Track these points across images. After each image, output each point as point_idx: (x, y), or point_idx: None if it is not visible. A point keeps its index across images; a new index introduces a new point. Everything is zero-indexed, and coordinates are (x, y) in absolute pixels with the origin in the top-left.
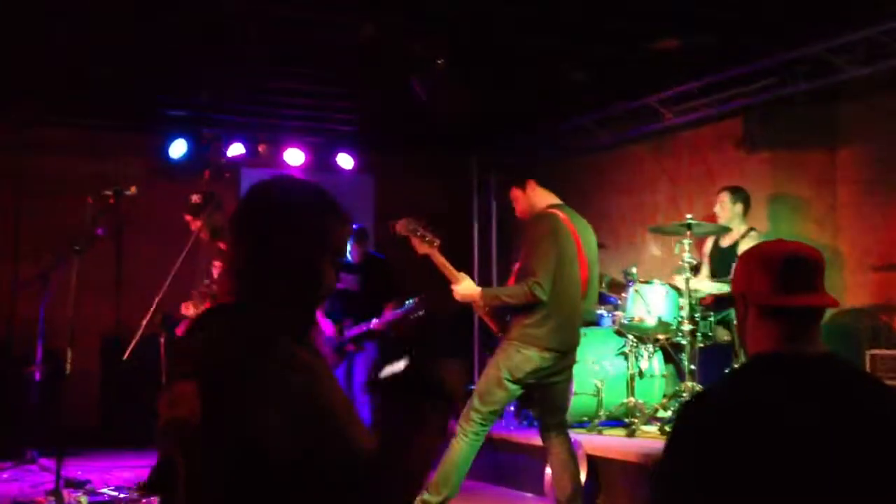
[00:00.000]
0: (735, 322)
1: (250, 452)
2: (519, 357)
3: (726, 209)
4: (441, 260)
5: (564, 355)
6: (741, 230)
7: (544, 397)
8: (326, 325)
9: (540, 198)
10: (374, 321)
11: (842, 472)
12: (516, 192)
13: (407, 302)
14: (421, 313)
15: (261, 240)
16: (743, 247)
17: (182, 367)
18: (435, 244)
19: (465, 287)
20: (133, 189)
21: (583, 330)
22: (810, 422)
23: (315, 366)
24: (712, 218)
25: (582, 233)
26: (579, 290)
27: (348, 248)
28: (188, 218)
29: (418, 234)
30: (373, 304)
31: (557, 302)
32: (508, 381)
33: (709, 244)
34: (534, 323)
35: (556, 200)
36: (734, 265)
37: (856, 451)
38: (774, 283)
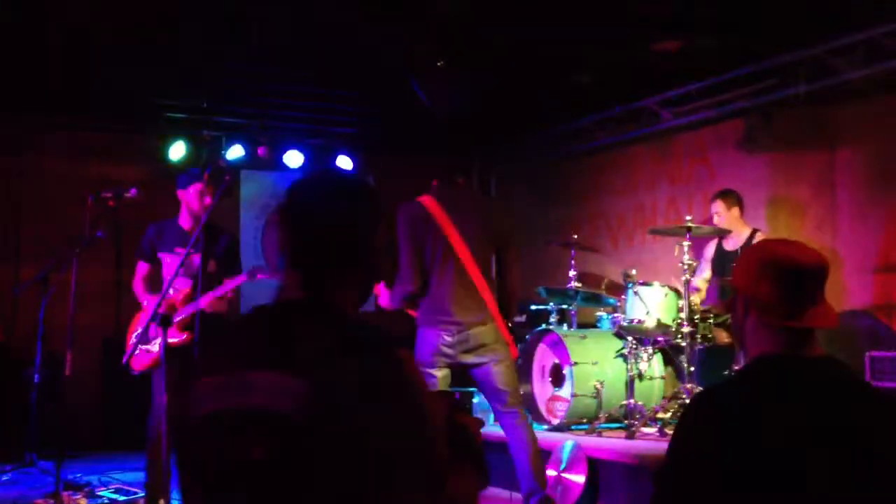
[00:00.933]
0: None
1: (359, 455)
2: (421, 343)
3: (723, 216)
4: None
5: (462, 332)
6: (745, 233)
7: (477, 382)
8: None
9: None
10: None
11: (841, 473)
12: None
13: None
14: None
15: (346, 232)
16: None
17: (250, 357)
18: None
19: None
20: (133, 191)
21: (583, 332)
22: (810, 424)
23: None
24: (711, 224)
25: (457, 212)
26: (462, 268)
27: None
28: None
29: None
30: None
31: (436, 284)
32: (422, 368)
33: (711, 248)
34: (425, 308)
35: (436, 184)
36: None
37: (853, 454)
38: (782, 299)
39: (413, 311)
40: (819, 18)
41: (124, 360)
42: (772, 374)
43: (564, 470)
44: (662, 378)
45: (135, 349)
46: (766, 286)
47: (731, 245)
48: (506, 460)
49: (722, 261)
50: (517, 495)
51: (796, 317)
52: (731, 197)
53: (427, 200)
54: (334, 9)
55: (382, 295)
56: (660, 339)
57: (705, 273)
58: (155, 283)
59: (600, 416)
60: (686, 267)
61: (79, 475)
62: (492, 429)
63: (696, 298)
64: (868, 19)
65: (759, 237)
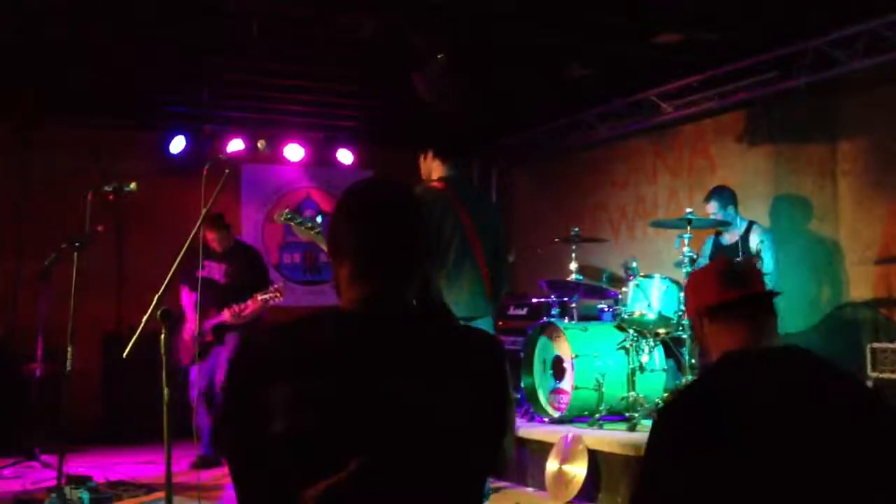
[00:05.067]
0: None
1: None
2: None
3: (720, 216)
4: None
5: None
6: (742, 226)
7: None
8: (189, 321)
9: (435, 169)
10: (226, 312)
11: (813, 463)
12: (419, 160)
13: (262, 295)
14: (278, 298)
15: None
16: (751, 241)
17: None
18: (316, 229)
19: None
20: (133, 185)
21: (585, 324)
22: (781, 415)
23: None
24: None
25: (471, 204)
26: (475, 262)
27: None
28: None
29: (295, 221)
30: (238, 294)
31: (451, 276)
32: None
33: (708, 243)
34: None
35: (446, 173)
36: (739, 260)
37: (827, 442)
38: (717, 286)
39: None
40: (820, 10)
41: (126, 353)
42: (735, 369)
43: (566, 462)
44: (664, 371)
45: None
46: (703, 286)
47: (728, 239)
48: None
49: (719, 254)
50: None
51: (734, 290)
52: (725, 196)
53: (443, 188)
54: (335, 3)
55: None
56: (661, 331)
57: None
58: None
59: (601, 408)
60: (687, 259)
61: (81, 469)
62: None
63: None
64: (869, 11)
65: (755, 229)
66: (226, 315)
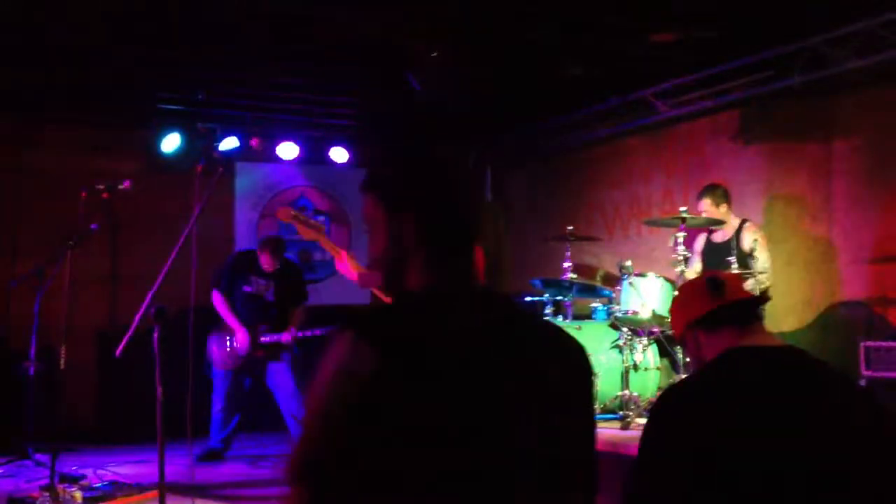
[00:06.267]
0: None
1: None
2: None
3: (712, 213)
4: (328, 242)
5: None
6: (734, 224)
7: None
8: (242, 333)
9: None
10: (286, 335)
11: (806, 459)
12: None
13: (326, 327)
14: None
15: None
16: (744, 239)
17: None
18: (320, 228)
19: (347, 265)
20: (126, 183)
21: (578, 323)
22: (775, 412)
23: None
24: None
25: None
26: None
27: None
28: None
29: (300, 220)
30: (284, 310)
31: None
32: None
33: (700, 241)
34: None
35: None
36: (730, 259)
37: (821, 440)
38: (704, 298)
39: (385, 297)
40: (815, 9)
41: (119, 351)
42: (730, 365)
43: None
44: (657, 369)
45: None
46: (693, 302)
47: (719, 237)
48: None
49: (711, 253)
50: None
51: (722, 296)
52: (718, 193)
53: None
54: (331, 2)
55: (350, 269)
56: (655, 329)
57: (695, 265)
58: None
59: (595, 407)
60: (681, 258)
61: (74, 468)
62: None
63: None
64: (865, 10)
65: (747, 227)
66: (286, 337)
